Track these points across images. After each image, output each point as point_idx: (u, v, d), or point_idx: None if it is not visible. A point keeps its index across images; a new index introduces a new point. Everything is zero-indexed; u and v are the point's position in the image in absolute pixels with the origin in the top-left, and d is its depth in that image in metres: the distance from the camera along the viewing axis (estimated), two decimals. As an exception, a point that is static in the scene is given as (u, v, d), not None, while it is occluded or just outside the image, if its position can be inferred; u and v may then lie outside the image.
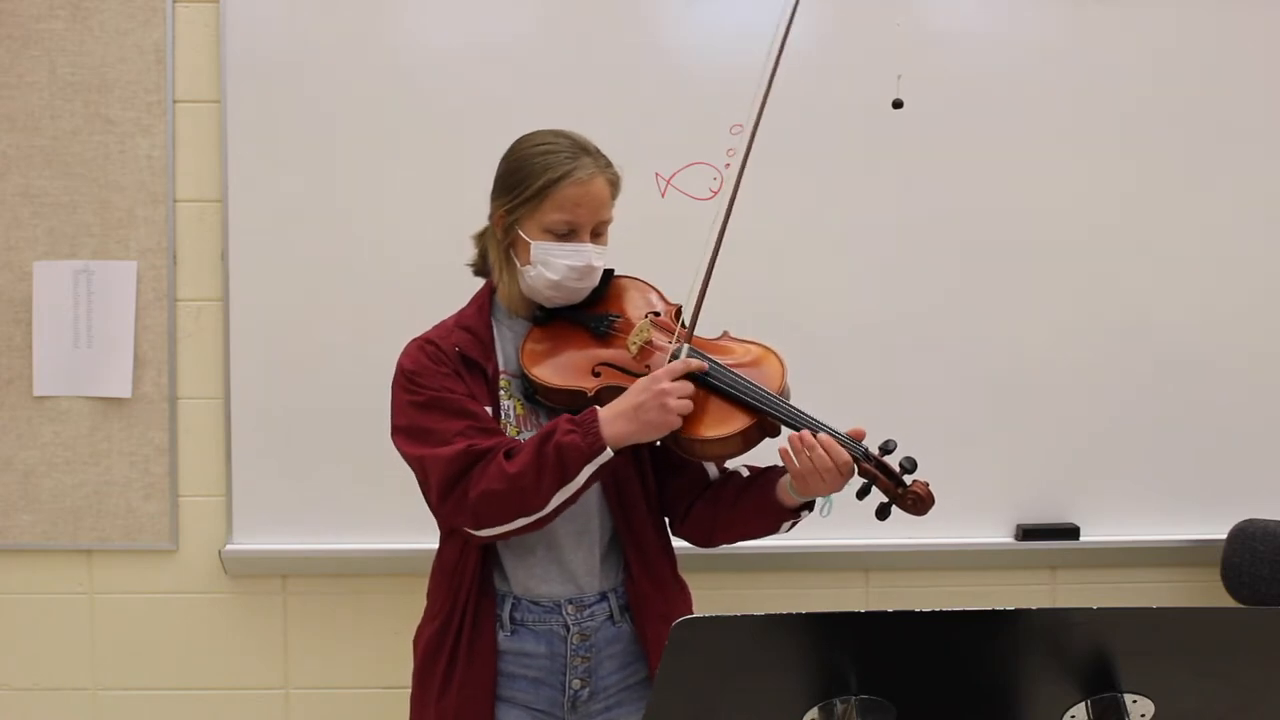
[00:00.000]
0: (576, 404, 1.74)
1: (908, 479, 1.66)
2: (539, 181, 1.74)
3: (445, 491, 1.68)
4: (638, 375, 1.72)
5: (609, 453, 1.64)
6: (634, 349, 1.76)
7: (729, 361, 1.76)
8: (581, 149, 1.76)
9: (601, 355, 1.77)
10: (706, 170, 2.40)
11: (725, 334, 1.85)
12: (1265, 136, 2.45)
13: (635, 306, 1.84)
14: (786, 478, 1.73)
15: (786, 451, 1.66)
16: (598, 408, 1.68)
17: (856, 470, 1.67)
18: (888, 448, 1.66)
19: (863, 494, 1.69)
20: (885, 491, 1.67)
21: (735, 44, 2.39)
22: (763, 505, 1.77)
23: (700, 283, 1.71)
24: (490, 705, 1.76)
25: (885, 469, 1.66)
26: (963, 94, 2.41)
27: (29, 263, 2.42)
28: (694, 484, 1.85)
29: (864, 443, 1.68)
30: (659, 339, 1.77)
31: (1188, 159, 2.45)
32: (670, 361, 1.70)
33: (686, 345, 1.71)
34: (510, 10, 2.39)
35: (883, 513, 1.67)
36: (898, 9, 2.40)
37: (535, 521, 1.68)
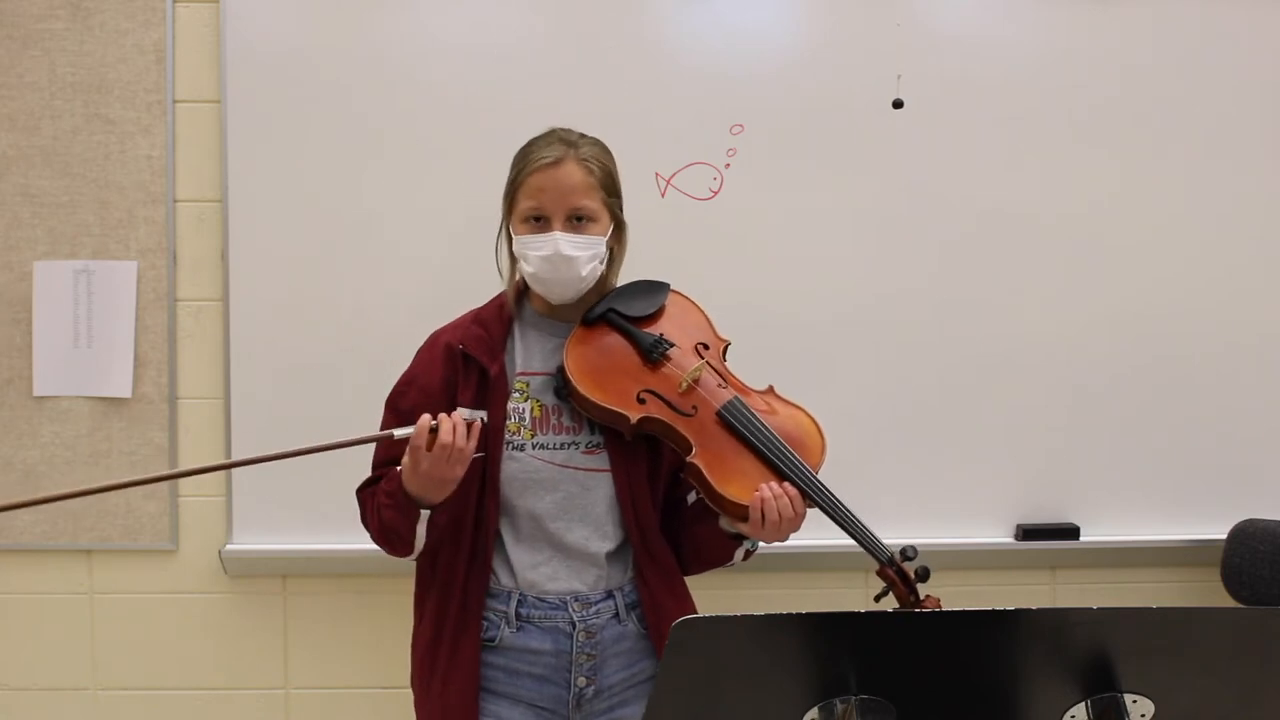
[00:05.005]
0: (616, 424, 1.73)
1: (921, 590, 1.71)
2: (512, 174, 1.76)
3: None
4: (682, 412, 1.72)
5: (425, 513, 1.71)
6: (684, 386, 1.74)
7: (776, 427, 1.75)
8: (560, 140, 1.74)
9: (649, 383, 1.75)
10: (706, 170, 2.40)
11: (770, 389, 1.83)
12: (1263, 136, 2.45)
13: (688, 335, 1.81)
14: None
15: (759, 497, 1.68)
16: (401, 473, 1.70)
17: (878, 572, 1.72)
18: (908, 554, 1.71)
19: (879, 598, 1.73)
20: (900, 600, 1.71)
21: (735, 44, 2.39)
22: (713, 529, 1.78)
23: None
24: (474, 705, 1.76)
25: (904, 577, 1.71)
26: (962, 94, 2.41)
27: (29, 263, 2.42)
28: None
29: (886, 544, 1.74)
30: (708, 378, 1.77)
31: (1187, 158, 2.45)
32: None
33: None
34: (511, 10, 2.38)
35: None
36: (898, 9, 2.40)
37: (418, 556, 1.80)
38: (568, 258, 1.72)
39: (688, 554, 1.86)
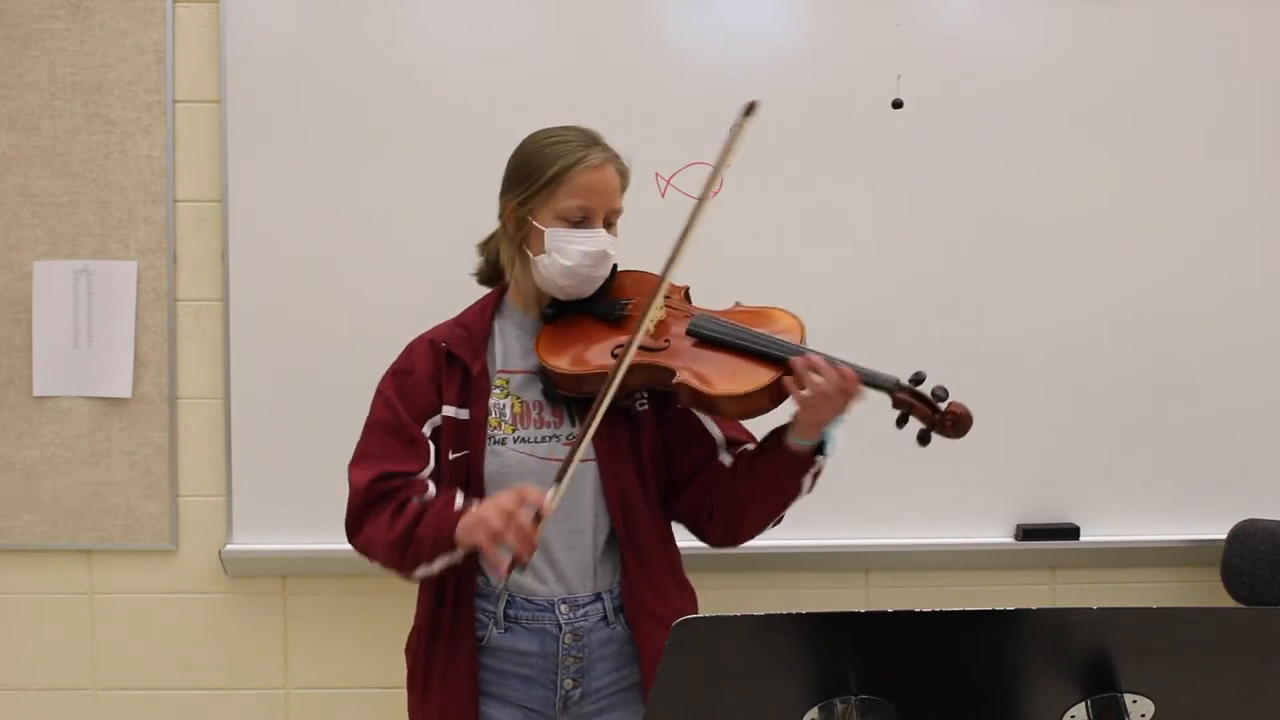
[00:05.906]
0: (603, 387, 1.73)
1: (942, 405, 1.67)
2: (553, 169, 1.75)
3: (350, 524, 1.79)
4: (656, 349, 1.74)
5: (459, 553, 1.67)
6: (652, 326, 1.76)
7: (747, 323, 1.77)
8: (592, 140, 1.79)
9: (619, 338, 1.77)
10: (706, 170, 2.39)
11: (737, 304, 1.85)
12: (1263, 136, 2.45)
13: (643, 290, 1.83)
14: (790, 429, 1.72)
15: (791, 382, 1.66)
16: (471, 508, 1.66)
17: (892, 401, 1.68)
18: (918, 378, 1.68)
19: (902, 422, 1.68)
20: (922, 419, 1.68)
21: (735, 43, 2.39)
22: (778, 462, 1.74)
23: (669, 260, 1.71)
24: (474, 706, 1.76)
25: (920, 397, 1.67)
26: (962, 94, 2.41)
27: (29, 263, 2.42)
28: (712, 481, 1.82)
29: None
30: (673, 315, 1.79)
31: (1186, 158, 2.45)
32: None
33: (555, 490, 1.64)
34: (511, 10, 2.39)
35: (924, 438, 1.68)
36: (898, 9, 2.40)
37: (406, 578, 1.76)
38: (608, 256, 1.78)
39: (748, 501, 1.79)
